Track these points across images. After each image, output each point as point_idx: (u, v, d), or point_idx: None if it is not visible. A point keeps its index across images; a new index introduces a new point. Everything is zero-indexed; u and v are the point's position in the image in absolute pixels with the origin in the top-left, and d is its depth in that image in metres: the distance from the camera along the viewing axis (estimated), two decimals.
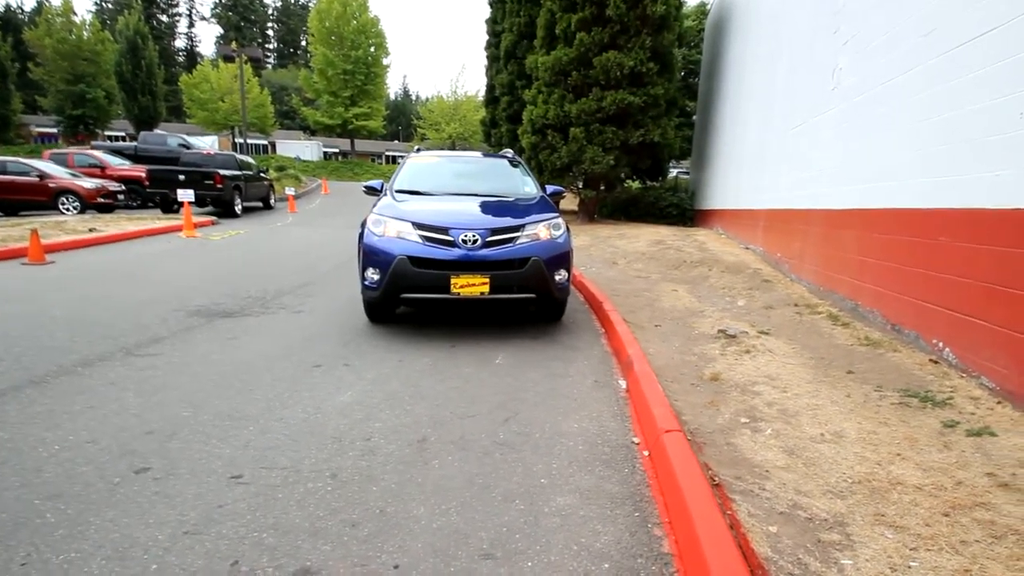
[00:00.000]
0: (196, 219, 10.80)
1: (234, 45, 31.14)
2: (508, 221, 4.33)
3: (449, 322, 4.82)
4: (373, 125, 39.09)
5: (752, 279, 6.52)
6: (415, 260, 4.08)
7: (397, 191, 5.04)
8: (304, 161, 34.92)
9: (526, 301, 4.38)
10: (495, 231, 4.20)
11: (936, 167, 3.70)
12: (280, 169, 18.13)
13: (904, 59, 4.24)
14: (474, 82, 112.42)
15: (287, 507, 2.02)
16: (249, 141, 24.91)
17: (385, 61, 38.36)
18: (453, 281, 4.06)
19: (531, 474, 2.32)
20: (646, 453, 2.52)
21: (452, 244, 4.12)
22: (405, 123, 66.15)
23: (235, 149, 27.93)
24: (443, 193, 5.05)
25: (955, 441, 2.51)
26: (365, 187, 5.46)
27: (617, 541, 1.88)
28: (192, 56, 65.50)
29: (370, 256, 4.22)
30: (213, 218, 12.73)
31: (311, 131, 48.83)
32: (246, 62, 26.20)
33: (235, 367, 3.57)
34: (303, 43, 74.26)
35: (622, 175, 14.20)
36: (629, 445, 2.62)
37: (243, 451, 2.44)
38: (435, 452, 2.49)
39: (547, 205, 4.92)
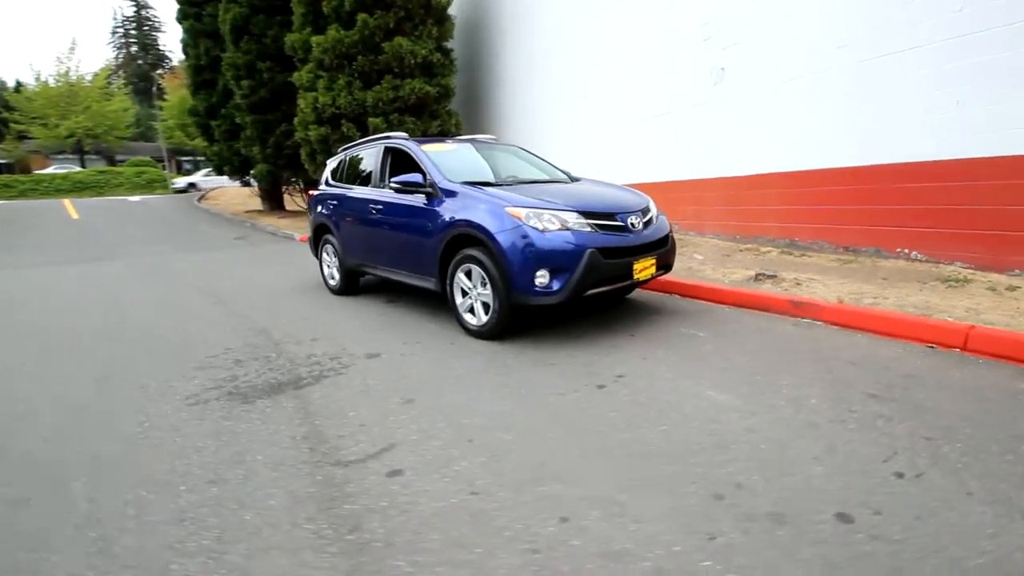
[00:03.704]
0: None
1: None
2: (638, 202, 4.30)
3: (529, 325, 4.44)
4: None
5: None
6: (605, 251, 3.70)
7: (464, 183, 4.24)
8: None
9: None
10: (644, 212, 4.15)
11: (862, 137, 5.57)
12: None
13: (797, 63, 6.04)
14: (92, 64, 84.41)
15: None
16: None
17: None
18: (635, 267, 3.88)
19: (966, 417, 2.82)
20: (957, 350, 3.30)
21: (624, 229, 3.90)
22: None
23: None
24: (515, 182, 4.52)
25: (1021, 294, 4.11)
26: (398, 181, 4.35)
27: None
28: None
29: (544, 255, 3.60)
30: None
31: None
32: None
33: (540, 441, 2.68)
34: None
35: None
36: (932, 353, 3.33)
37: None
38: (927, 456, 2.66)
39: (609, 184, 5.00)
